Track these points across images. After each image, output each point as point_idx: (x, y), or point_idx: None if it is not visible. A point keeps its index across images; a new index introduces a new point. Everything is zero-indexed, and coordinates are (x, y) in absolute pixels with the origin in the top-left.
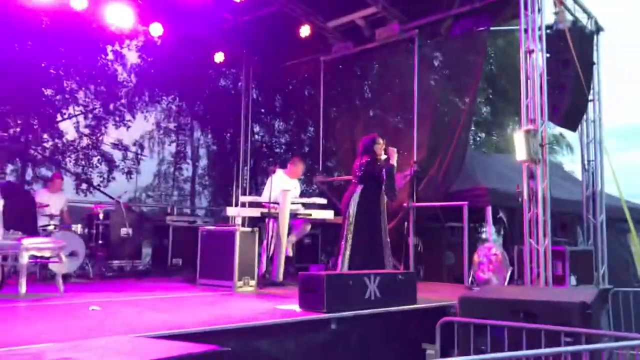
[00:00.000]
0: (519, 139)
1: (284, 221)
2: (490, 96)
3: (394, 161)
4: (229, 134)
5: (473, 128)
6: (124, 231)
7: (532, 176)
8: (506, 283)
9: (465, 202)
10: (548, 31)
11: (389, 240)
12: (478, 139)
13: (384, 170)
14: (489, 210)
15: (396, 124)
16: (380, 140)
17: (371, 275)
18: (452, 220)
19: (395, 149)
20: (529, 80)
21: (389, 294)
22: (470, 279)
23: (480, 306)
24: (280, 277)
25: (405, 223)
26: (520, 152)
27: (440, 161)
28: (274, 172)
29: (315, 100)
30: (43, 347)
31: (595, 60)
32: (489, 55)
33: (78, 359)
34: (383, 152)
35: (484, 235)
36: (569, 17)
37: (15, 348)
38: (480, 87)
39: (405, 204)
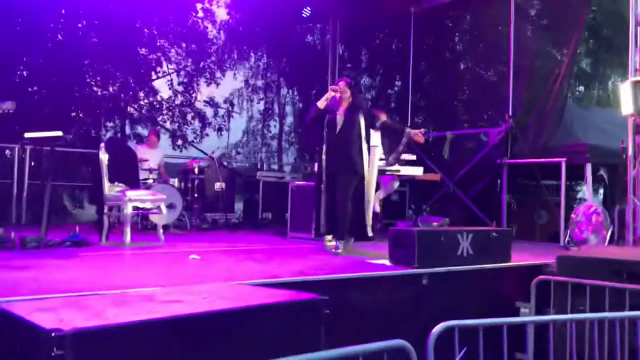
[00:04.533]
0: (625, 90)
1: (373, 178)
2: (592, 47)
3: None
4: (314, 91)
5: (572, 81)
6: (217, 185)
7: (638, 131)
8: (606, 243)
9: (564, 159)
10: None
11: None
12: (577, 92)
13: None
14: (589, 168)
15: (489, 78)
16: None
17: (464, 232)
18: (548, 178)
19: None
20: (639, 27)
21: (482, 251)
22: (567, 238)
23: (579, 266)
24: (369, 232)
25: (499, 180)
26: (627, 105)
27: (537, 116)
28: None
29: (403, 54)
30: (152, 290)
31: None
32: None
33: (185, 302)
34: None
35: (580, 194)
36: None
37: (128, 290)
38: (581, 37)
39: (498, 161)
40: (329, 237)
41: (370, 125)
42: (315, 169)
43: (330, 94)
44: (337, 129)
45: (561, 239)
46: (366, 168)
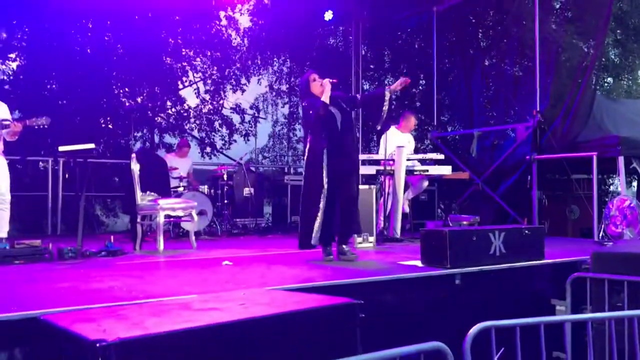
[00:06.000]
0: None
1: (401, 178)
2: (619, 37)
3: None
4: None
5: (600, 73)
6: (246, 191)
7: None
8: None
9: (594, 152)
10: None
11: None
12: (606, 84)
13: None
14: (621, 161)
15: (514, 73)
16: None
17: (496, 230)
18: (578, 172)
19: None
20: None
21: (515, 249)
22: (600, 233)
23: (615, 261)
24: (398, 233)
25: (529, 176)
26: None
27: (565, 110)
28: (387, 128)
29: (426, 53)
30: (189, 298)
31: None
32: None
33: (222, 309)
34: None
35: (612, 188)
36: None
37: (164, 299)
38: (608, 28)
39: (527, 157)
40: (360, 239)
41: (352, 108)
42: (305, 171)
43: (329, 87)
44: (339, 126)
45: (595, 235)
46: None
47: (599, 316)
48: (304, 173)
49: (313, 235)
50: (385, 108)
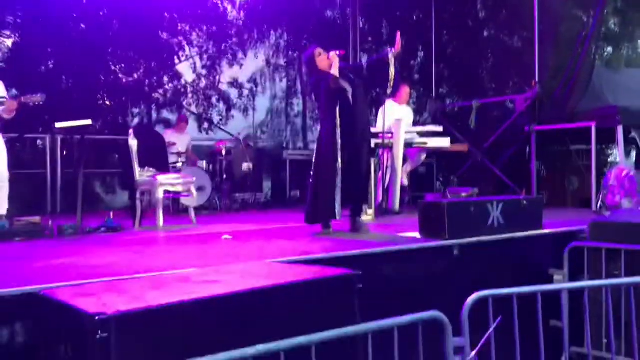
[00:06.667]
0: None
1: (399, 151)
2: (620, 6)
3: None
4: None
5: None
6: (245, 166)
7: None
8: None
9: (593, 122)
10: None
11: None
12: (605, 54)
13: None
14: (620, 130)
15: (513, 44)
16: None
17: (494, 201)
18: (577, 143)
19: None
20: None
21: (513, 220)
22: (598, 203)
23: (613, 231)
24: (397, 206)
25: (527, 147)
26: None
27: (564, 80)
28: (384, 102)
29: (424, 25)
30: (188, 271)
31: None
32: None
33: (222, 281)
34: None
35: (611, 158)
36: None
37: (164, 272)
38: None
39: (526, 128)
40: (370, 210)
41: (359, 77)
42: (318, 146)
43: (337, 60)
44: (350, 99)
45: (593, 205)
46: None
47: (595, 284)
48: (316, 149)
49: (336, 209)
50: (392, 71)
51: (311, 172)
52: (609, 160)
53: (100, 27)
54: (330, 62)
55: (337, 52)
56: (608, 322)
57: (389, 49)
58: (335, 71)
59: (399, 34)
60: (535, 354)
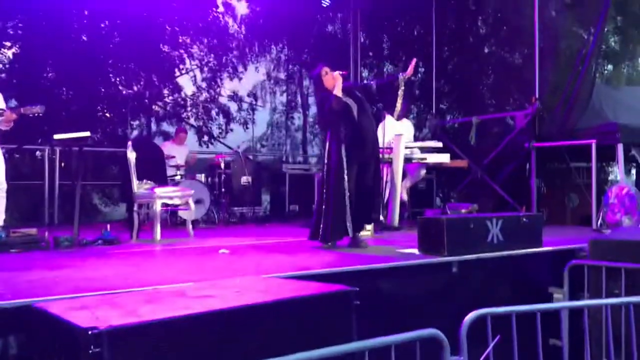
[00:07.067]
0: None
1: (399, 166)
2: (620, 24)
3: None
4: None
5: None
6: (244, 179)
7: None
8: None
9: (593, 140)
10: None
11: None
12: (606, 71)
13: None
14: (620, 148)
15: (514, 61)
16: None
17: (493, 218)
18: (577, 160)
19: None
20: None
21: (513, 237)
22: (599, 221)
23: (613, 248)
24: (396, 221)
25: (527, 164)
26: None
27: (564, 97)
28: (384, 117)
29: (425, 40)
30: (184, 285)
31: None
32: None
33: (217, 296)
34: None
35: (611, 176)
36: None
37: (160, 286)
38: (608, 15)
39: (526, 145)
40: (369, 226)
41: (368, 95)
42: (328, 164)
43: (340, 80)
44: (356, 116)
45: (593, 222)
46: None
47: (595, 303)
48: (325, 166)
49: (348, 225)
50: (401, 94)
51: (322, 189)
52: (609, 178)
53: (101, 39)
54: (335, 81)
55: (341, 72)
56: (608, 341)
57: (400, 73)
58: (338, 91)
59: (414, 61)
60: None
